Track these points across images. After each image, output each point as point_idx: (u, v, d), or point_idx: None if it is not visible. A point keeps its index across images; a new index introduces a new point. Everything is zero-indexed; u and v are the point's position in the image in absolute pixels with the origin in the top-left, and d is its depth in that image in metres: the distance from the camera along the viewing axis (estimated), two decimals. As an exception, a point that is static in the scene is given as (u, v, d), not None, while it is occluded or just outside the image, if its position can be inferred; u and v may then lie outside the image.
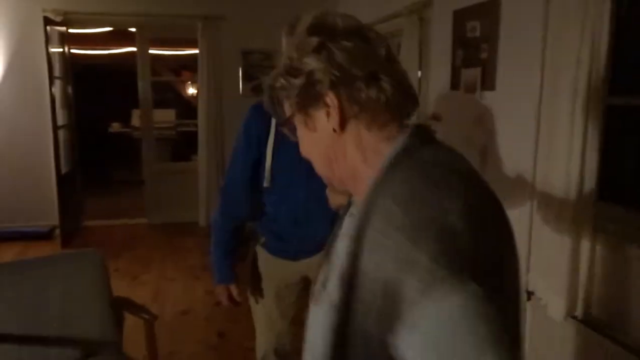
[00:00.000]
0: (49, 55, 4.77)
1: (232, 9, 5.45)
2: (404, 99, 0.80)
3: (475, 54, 2.93)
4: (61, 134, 5.14)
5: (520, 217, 2.53)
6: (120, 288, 3.28)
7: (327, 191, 1.55)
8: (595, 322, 2.16)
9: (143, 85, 5.70)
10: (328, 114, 0.79)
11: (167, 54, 7.70)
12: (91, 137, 7.10)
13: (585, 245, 2.14)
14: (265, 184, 1.82)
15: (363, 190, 0.78)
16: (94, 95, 7.51)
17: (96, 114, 7.64)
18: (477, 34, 2.92)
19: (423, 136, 0.80)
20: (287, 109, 0.86)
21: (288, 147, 1.70)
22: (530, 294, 2.44)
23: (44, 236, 5.05)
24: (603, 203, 2.21)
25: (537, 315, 2.54)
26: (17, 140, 5.13)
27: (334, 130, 0.79)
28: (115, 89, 8.18)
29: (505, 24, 2.72)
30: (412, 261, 0.64)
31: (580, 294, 2.18)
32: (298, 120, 0.85)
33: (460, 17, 3.09)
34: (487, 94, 2.88)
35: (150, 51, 5.82)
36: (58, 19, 4.99)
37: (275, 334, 1.98)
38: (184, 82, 9.11)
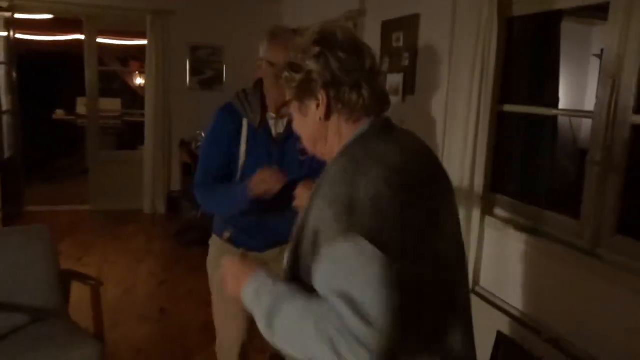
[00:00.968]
0: (-7, 40, 4.80)
1: (182, 4, 5.61)
2: (377, 102, 1.08)
3: (398, 61, 3.31)
4: (4, 119, 5.16)
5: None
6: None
7: (297, 191, 1.57)
8: (483, 293, 2.57)
9: (90, 74, 5.77)
10: (317, 106, 1.07)
11: (115, 43, 7.71)
12: (34, 124, 7.04)
13: (475, 228, 2.54)
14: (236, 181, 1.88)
15: None
16: (38, 82, 7.43)
17: (40, 101, 7.56)
18: (401, 43, 3.29)
19: (377, 128, 1.07)
20: (287, 94, 1.13)
21: (259, 147, 1.86)
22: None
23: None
24: (494, 194, 2.63)
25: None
26: (-42, 124, 5.11)
27: (320, 119, 1.08)
28: (59, 76, 8.10)
29: (423, 37, 3.10)
30: (326, 219, 0.95)
31: (470, 269, 2.58)
32: (294, 105, 1.12)
33: (387, 28, 3.46)
34: (408, 98, 3.27)
35: (98, 40, 5.88)
36: (4, 4, 5.01)
37: (238, 328, 2.00)
38: (131, 72, 9.11)
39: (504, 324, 2.35)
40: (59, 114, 8.34)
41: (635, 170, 1.96)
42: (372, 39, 3.69)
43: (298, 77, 1.06)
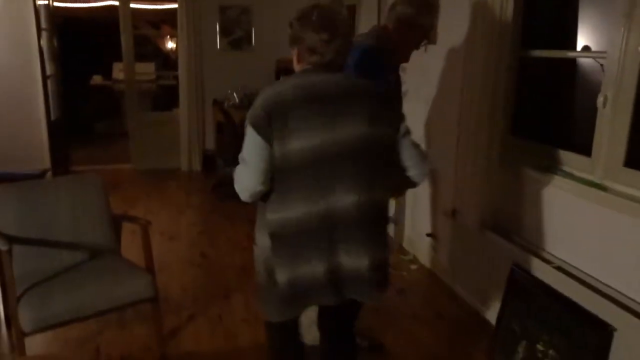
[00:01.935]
0: (36, 8, 5.04)
1: (210, -34, 5.73)
2: (327, 63, 1.62)
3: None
4: (49, 84, 5.46)
5: (447, 153, 3.07)
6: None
7: None
8: (501, 230, 2.73)
9: (125, 39, 6.00)
10: (293, 53, 1.68)
11: (147, 8, 7.90)
12: (73, 90, 7.37)
13: (494, 169, 2.68)
14: None
15: None
16: (75, 49, 7.71)
17: (78, 67, 7.87)
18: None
19: (302, 71, 1.66)
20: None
21: None
22: (454, 212, 3.00)
23: (37, 178, 5.43)
24: (512, 136, 2.76)
25: (457, 228, 3.12)
26: (9, 90, 5.44)
27: (295, 60, 1.70)
28: (95, 43, 8.37)
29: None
30: (248, 116, 1.58)
31: (489, 208, 2.74)
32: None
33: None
34: (430, 47, 3.35)
35: (131, 5, 6.08)
36: (43, -28, 5.23)
37: None
38: (163, 37, 9.32)
39: (519, 256, 2.51)
40: (96, 79, 8.65)
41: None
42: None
43: (290, 33, 1.68)
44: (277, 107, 1.54)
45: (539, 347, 2.25)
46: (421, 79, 3.56)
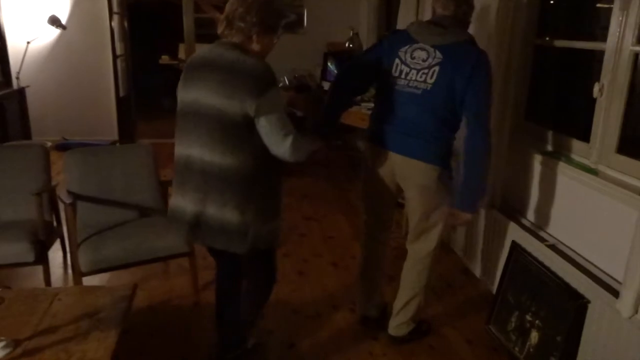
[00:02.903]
0: (109, -7, 5.58)
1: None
2: (230, 32, 1.91)
3: None
4: (119, 63, 6.03)
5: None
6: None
7: None
8: (507, 209, 2.89)
9: (187, 21, 6.45)
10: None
11: (211, -8, 8.34)
12: (144, 68, 7.98)
13: (504, 153, 2.83)
14: None
15: None
16: (147, 30, 8.31)
17: (148, 47, 8.48)
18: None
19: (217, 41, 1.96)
20: None
21: None
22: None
23: (106, 148, 6.06)
24: (522, 121, 2.89)
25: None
26: (84, 68, 6.07)
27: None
28: (165, 25, 8.96)
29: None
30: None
31: (498, 189, 2.90)
32: None
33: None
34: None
35: (195, -10, 6.51)
36: (115, -40, 5.75)
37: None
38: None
39: (518, 235, 2.67)
40: (164, 59, 9.26)
41: (636, 97, 2.15)
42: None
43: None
44: (186, 66, 1.99)
45: (528, 317, 2.42)
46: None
